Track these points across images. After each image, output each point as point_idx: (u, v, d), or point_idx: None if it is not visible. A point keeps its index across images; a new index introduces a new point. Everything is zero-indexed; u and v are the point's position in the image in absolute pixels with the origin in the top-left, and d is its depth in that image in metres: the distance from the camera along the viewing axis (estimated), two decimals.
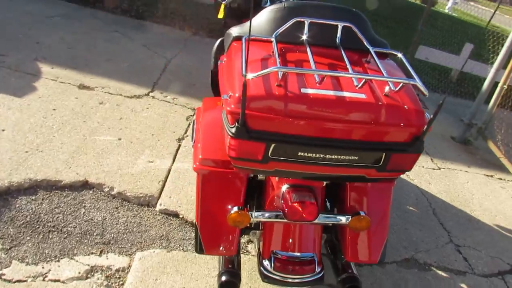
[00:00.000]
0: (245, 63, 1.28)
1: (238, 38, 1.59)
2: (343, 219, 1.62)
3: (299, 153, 1.29)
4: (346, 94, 1.28)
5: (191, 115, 3.34)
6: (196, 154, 1.68)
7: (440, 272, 2.34)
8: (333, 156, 1.29)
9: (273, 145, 1.26)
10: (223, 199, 1.62)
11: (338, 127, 1.26)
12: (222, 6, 2.55)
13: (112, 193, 2.32)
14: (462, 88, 5.95)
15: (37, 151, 2.45)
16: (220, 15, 2.59)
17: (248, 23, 1.65)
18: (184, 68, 4.23)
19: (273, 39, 1.45)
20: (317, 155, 1.29)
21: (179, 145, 2.89)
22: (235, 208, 1.57)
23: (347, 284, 1.67)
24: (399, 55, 1.51)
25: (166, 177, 2.53)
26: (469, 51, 6.05)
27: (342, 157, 1.29)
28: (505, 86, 3.96)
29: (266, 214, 1.59)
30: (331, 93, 1.27)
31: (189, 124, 3.19)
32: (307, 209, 1.50)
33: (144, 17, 5.53)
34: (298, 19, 1.48)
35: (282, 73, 1.28)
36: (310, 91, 1.27)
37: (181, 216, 2.27)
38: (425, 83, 4.90)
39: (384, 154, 1.29)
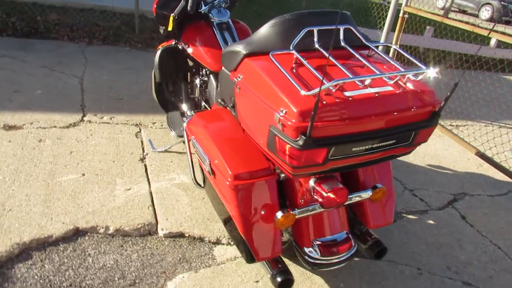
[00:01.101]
0: (293, 78, 1.39)
1: (250, 55, 1.65)
2: (365, 194, 1.86)
3: (353, 149, 1.45)
4: (378, 89, 1.47)
5: (138, 132, 3.23)
6: (222, 172, 1.73)
7: (410, 216, 2.77)
8: (378, 144, 1.49)
9: (333, 148, 1.41)
10: (263, 206, 1.72)
11: (381, 119, 1.46)
12: (171, 19, 2.52)
13: (109, 232, 2.21)
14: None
15: (5, 212, 2.18)
16: (170, 27, 2.56)
17: (254, 37, 1.71)
18: (101, 83, 3.99)
19: (293, 51, 1.55)
20: (367, 147, 1.47)
21: (145, 165, 2.82)
22: (280, 212, 1.69)
23: (376, 249, 1.93)
24: (394, 46, 1.75)
25: (152, 201, 2.48)
26: (431, 33, 6.73)
27: (384, 143, 1.50)
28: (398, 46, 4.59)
29: (306, 209, 1.74)
30: (368, 91, 1.46)
31: (142, 142, 3.10)
32: (340, 194, 1.69)
33: (27, 35, 4.98)
34: (309, 28, 1.60)
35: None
36: (353, 93, 1.43)
37: (187, 235, 2.28)
38: None
39: (413, 132, 1.54)
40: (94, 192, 2.45)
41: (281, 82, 1.45)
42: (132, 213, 2.34)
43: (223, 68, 1.87)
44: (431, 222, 2.75)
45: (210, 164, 1.83)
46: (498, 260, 2.50)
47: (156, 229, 2.29)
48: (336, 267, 1.82)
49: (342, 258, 1.82)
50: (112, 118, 3.37)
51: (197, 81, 2.78)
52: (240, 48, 1.69)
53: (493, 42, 8.17)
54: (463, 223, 2.80)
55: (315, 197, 1.72)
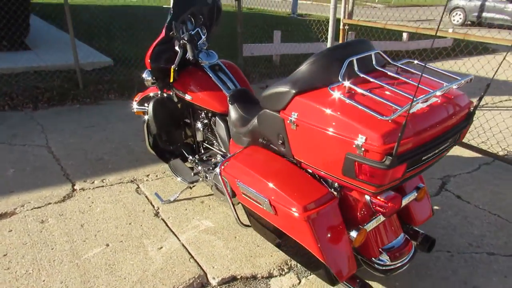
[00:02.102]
0: (363, 106, 1.51)
1: (300, 93, 1.73)
2: (413, 196, 2.02)
3: (423, 157, 1.60)
4: (431, 101, 1.64)
5: (137, 188, 3.14)
6: (288, 206, 1.78)
7: None
8: (440, 148, 1.66)
9: (409, 161, 1.54)
10: (334, 229, 1.80)
11: (442, 126, 1.62)
12: (172, 70, 2.53)
13: None
14: (284, 67, 6.96)
15: None
16: (172, 79, 2.56)
17: (296, 75, 1.79)
18: (72, 147, 3.80)
19: (344, 82, 1.66)
20: (433, 153, 1.63)
21: (163, 220, 2.75)
22: (354, 231, 1.79)
23: (427, 243, 2.10)
24: (415, 62, 1.95)
25: (189, 253, 2.43)
26: (279, 37, 7.11)
27: (444, 146, 1.67)
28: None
29: (373, 222, 1.85)
30: (425, 104, 1.62)
31: (146, 197, 3.02)
32: (397, 201, 1.83)
33: None
34: (350, 58, 1.73)
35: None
36: (417, 107, 1.57)
37: (239, 277, 2.27)
38: (260, 74, 5.68)
39: (459, 132, 1.73)
40: (128, 259, 2.35)
41: (350, 112, 1.56)
42: (178, 270, 2.28)
43: (265, 109, 1.92)
44: (436, 208, 3.01)
45: (269, 202, 1.87)
46: (503, 227, 2.80)
47: (207, 280, 2.25)
48: (404, 268, 1.95)
49: (408, 259, 1.95)
50: (104, 181, 3.23)
51: (199, 125, 2.79)
52: (287, 88, 1.76)
53: (404, 36, 9.05)
54: (461, 202, 3.10)
55: (376, 209, 1.85)
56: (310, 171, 1.94)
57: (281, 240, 2.01)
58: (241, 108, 2.47)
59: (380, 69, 1.81)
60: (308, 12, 15.08)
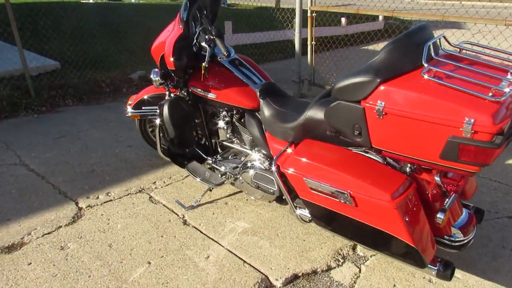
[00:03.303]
0: (464, 87, 1.52)
1: (384, 81, 1.70)
2: None
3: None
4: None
5: (150, 197, 2.92)
6: (373, 196, 1.77)
7: None
8: None
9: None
10: (418, 213, 1.83)
11: None
12: (203, 68, 2.36)
13: None
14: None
15: None
16: (202, 76, 2.39)
17: (376, 64, 1.74)
18: (53, 161, 3.43)
19: (430, 66, 1.65)
20: None
21: (194, 227, 2.59)
22: (441, 213, 1.83)
23: (479, 214, 2.22)
24: (474, 43, 1.96)
25: (239, 257, 2.32)
26: (230, 27, 7.00)
27: None
28: (314, 42, 5.01)
29: (451, 201, 1.90)
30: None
31: (165, 206, 2.82)
32: (465, 177, 1.91)
33: None
34: (429, 42, 1.72)
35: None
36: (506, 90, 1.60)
37: (300, 274, 2.22)
38: None
39: None
40: (180, 275, 2.18)
41: (449, 95, 1.57)
42: (238, 278, 2.17)
43: (339, 101, 1.86)
44: None
45: (349, 195, 1.84)
46: (507, 192, 3.05)
47: (270, 282, 2.17)
48: (472, 241, 2.05)
49: (475, 232, 2.05)
50: (109, 194, 2.95)
51: (221, 124, 2.65)
52: (369, 77, 1.71)
53: (343, 20, 9.39)
54: None
55: (448, 187, 1.91)
56: (378, 159, 1.95)
57: (357, 233, 2.00)
58: (277, 102, 2.39)
59: (449, 51, 1.84)
60: (237, 1, 14.99)
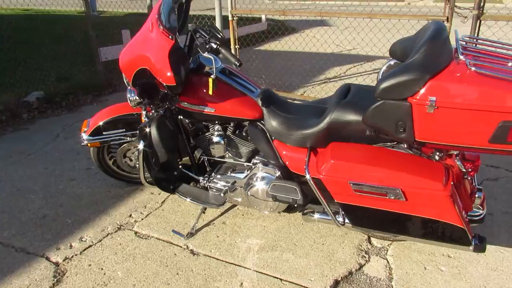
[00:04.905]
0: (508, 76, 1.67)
1: (432, 77, 1.75)
2: None
3: None
4: None
5: (136, 233, 2.55)
6: (426, 188, 1.85)
7: None
8: None
9: None
10: (459, 196, 1.97)
11: None
12: (211, 80, 2.13)
13: None
14: None
15: None
16: (210, 90, 2.16)
17: (417, 61, 1.78)
18: (13, 203, 2.76)
19: (466, 59, 1.77)
20: None
21: (207, 255, 2.35)
22: (478, 192, 1.99)
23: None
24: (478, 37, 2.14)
25: (273, 276, 2.19)
26: (128, 36, 6.52)
27: None
28: (237, 46, 4.96)
29: (475, 180, 2.08)
30: None
31: (158, 238, 2.50)
32: (478, 157, 2.13)
33: None
34: (460, 38, 1.83)
35: None
36: None
37: (339, 278, 2.19)
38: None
39: None
40: None
41: (497, 84, 1.70)
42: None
43: (384, 100, 1.85)
44: None
45: (401, 191, 1.88)
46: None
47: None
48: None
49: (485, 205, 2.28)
50: (83, 239, 2.49)
51: (216, 139, 2.44)
52: (417, 75, 1.74)
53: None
54: None
55: (467, 167, 2.09)
56: (410, 152, 2.03)
57: (403, 227, 2.04)
58: (282, 109, 2.31)
59: (467, 44, 1.99)
60: (106, 8, 13.98)
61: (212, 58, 2.16)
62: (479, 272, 2.21)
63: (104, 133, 2.70)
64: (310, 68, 6.37)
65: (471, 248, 2.02)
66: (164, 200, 2.89)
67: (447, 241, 2.01)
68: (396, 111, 1.85)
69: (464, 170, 2.09)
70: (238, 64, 2.13)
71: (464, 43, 1.93)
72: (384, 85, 1.83)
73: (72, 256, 2.33)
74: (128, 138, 2.77)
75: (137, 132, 2.72)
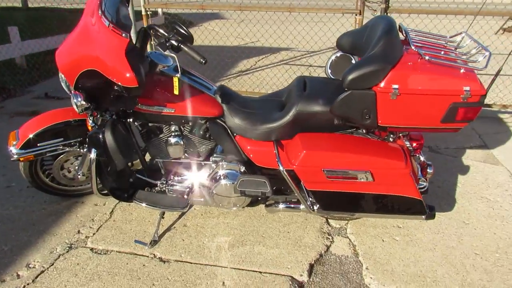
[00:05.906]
0: (455, 63, 1.91)
1: (393, 67, 1.91)
2: None
3: None
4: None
5: (93, 249, 2.34)
6: (391, 168, 2.05)
7: None
8: None
9: None
10: (414, 171, 2.20)
11: None
12: (176, 80, 2.03)
13: None
14: (36, 70, 5.81)
15: None
16: (176, 90, 2.05)
17: (379, 53, 1.92)
18: None
19: (418, 49, 1.97)
20: None
21: (178, 261, 2.26)
22: (429, 167, 2.27)
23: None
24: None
25: (252, 270, 2.21)
26: (16, 33, 5.83)
27: None
28: (153, 42, 4.74)
29: (422, 157, 2.34)
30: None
31: (118, 252, 2.33)
32: (422, 137, 2.41)
33: None
34: (408, 30, 2.02)
35: None
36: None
37: (313, 262, 2.30)
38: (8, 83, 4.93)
39: None
40: None
41: (448, 71, 1.93)
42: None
43: (351, 91, 1.96)
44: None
45: (370, 173, 2.05)
46: None
47: (298, 280, 2.17)
48: None
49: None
50: (32, 266, 2.20)
51: (174, 140, 2.33)
52: (381, 65, 1.89)
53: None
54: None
55: (415, 146, 2.35)
56: (369, 136, 2.21)
57: (370, 205, 2.21)
58: (242, 105, 2.33)
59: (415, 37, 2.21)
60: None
61: (175, 56, 2.06)
62: (426, 237, 2.49)
63: (38, 144, 2.41)
64: (219, 61, 6.38)
65: (423, 216, 2.28)
66: (113, 210, 2.69)
67: (405, 213, 2.23)
68: (362, 99, 1.99)
69: (411, 148, 2.33)
70: (203, 62, 2.07)
71: (414, 35, 2.15)
72: (351, 76, 1.95)
73: (24, 287, 2.06)
74: (66, 148, 2.51)
75: (79, 140, 2.50)
